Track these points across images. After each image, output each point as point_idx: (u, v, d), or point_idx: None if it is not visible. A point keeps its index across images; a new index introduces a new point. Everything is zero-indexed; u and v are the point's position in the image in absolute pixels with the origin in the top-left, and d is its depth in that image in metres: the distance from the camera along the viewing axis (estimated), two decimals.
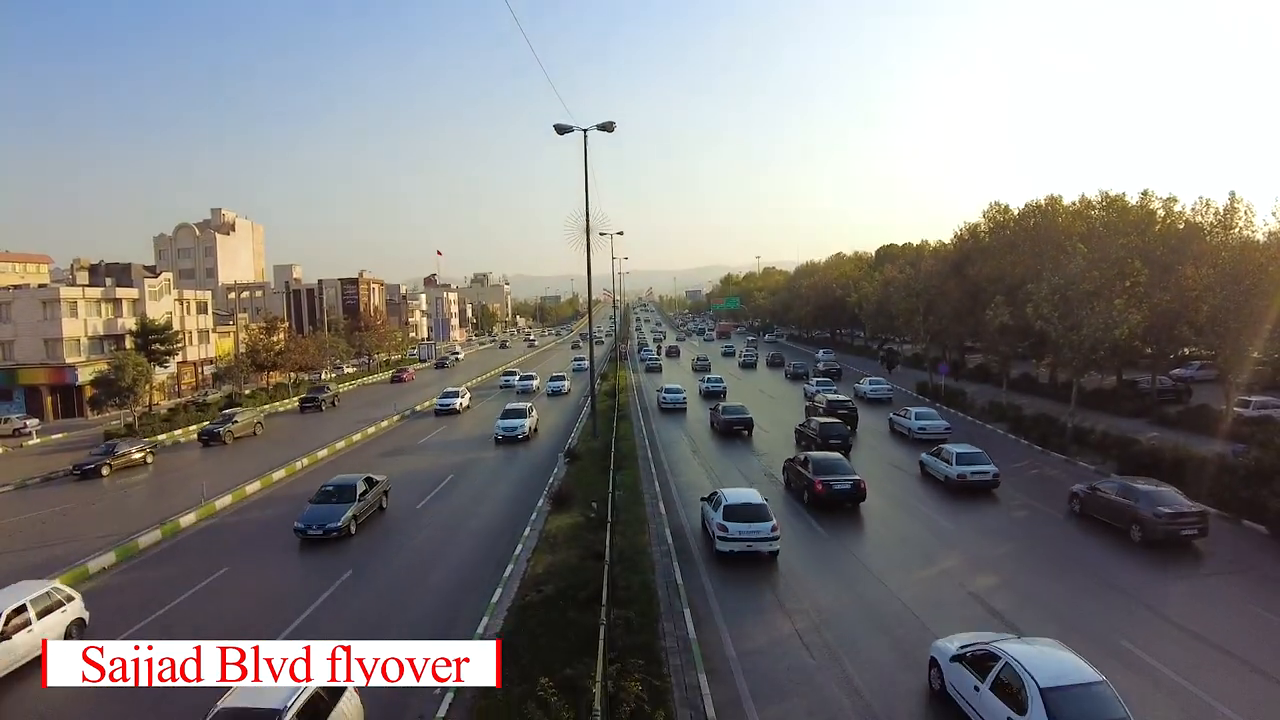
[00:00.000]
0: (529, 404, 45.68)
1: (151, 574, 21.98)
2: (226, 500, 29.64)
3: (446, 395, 54.04)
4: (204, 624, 17.90)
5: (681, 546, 21.69)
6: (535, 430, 42.12)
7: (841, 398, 42.55)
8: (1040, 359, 42.36)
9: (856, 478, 25.25)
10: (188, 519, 26.95)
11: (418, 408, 55.22)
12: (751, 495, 21.80)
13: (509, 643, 15.69)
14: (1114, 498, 22.29)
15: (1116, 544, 21.09)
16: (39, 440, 46.75)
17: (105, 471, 36.09)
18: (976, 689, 11.87)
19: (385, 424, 48.60)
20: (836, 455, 27.69)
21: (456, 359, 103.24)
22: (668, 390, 51.46)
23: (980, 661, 12.12)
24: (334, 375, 79.69)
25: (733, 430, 38.92)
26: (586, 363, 66.96)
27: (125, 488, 33.87)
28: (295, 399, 61.33)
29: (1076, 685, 10.90)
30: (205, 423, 46.96)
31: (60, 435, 48.58)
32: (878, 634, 16.00)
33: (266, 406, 56.99)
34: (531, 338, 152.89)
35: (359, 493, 25.22)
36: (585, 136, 34.69)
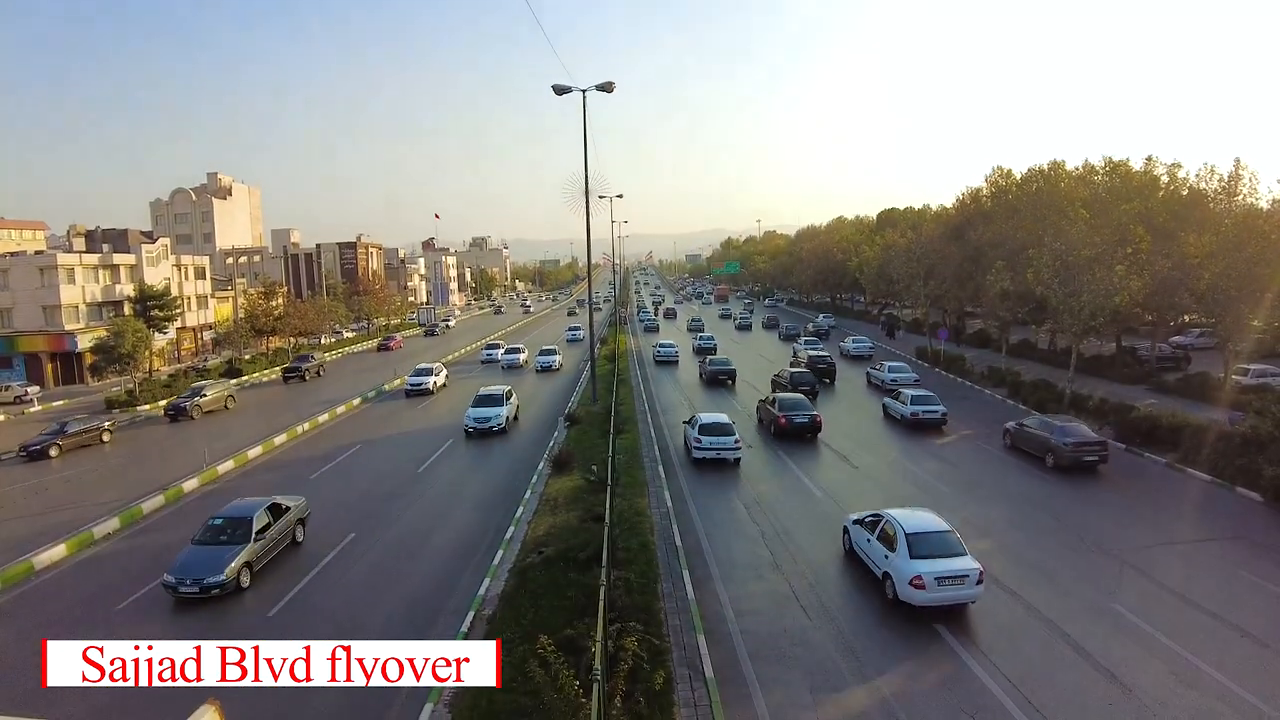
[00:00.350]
0: (507, 387, 37.15)
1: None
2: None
3: (418, 373, 46.76)
4: None
5: (666, 459, 27.36)
6: (515, 419, 35.88)
7: (822, 353, 47.17)
8: (1040, 325, 42.39)
9: (814, 413, 30.32)
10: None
11: (387, 387, 48.49)
12: (721, 417, 28.53)
13: (511, 603, 16.00)
14: (1035, 431, 26.36)
15: (1034, 469, 25.51)
16: (40, 407, 46.92)
17: (54, 453, 33.14)
18: (868, 540, 17.05)
19: (343, 409, 41.68)
20: (799, 396, 32.70)
21: (447, 326, 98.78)
22: (661, 345, 58.66)
23: (871, 523, 17.33)
24: (334, 340, 79.66)
25: (717, 380, 44.01)
26: (582, 332, 66.10)
27: (70, 476, 30.14)
28: (278, 369, 57.76)
29: (931, 532, 15.95)
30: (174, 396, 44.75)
31: (61, 402, 48.74)
32: (810, 519, 21.52)
33: (245, 377, 55.00)
34: (528, 303, 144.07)
35: (255, 530, 18.75)
36: (584, 97, 34.28)
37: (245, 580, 17.83)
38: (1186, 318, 48.33)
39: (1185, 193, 41.55)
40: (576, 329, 73.19)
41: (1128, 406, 29.52)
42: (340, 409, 41.55)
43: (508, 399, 35.28)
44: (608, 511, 17.28)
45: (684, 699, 12.49)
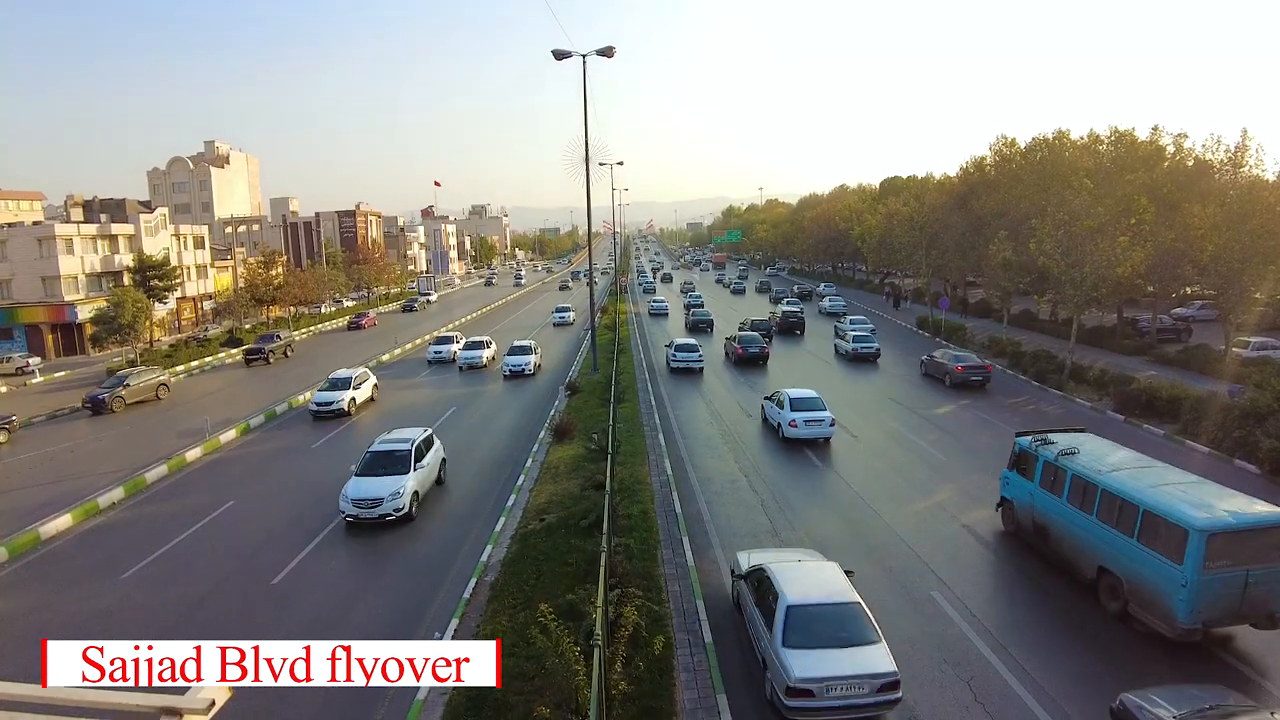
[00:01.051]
0: (424, 433, 22.71)
1: None
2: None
3: (331, 385, 32.92)
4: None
5: (667, 428, 26.55)
6: (439, 481, 22.74)
7: (794, 309, 55.81)
8: (1041, 295, 42.28)
9: (764, 345, 41.04)
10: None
11: (294, 403, 35.39)
12: (690, 340, 41.66)
13: (513, 569, 16.20)
14: (937, 359, 34.95)
15: (936, 387, 33.98)
16: (42, 379, 47.01)
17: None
18: (771, 406, 26.78)
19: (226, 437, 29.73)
20: (754, 334, 42.58)
21: (428, 301, 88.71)
22: (655, 301, 73.97)
23: (773, 396, 27.19)
24: (334, 309, 79.47)
25: (698, 327, 55.18)
26: (572, 314, 62.27)
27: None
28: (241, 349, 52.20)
29: (805, 397, 26.02)
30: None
31: (63, 373, 48.83)
32: (748, 410, 30.48)
33: (209, 358, 50.38)
34: (521, 276, 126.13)
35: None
36: (584, 62, 33.89)
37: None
38: (1189, 290, 48.19)
39: (1191, 163, 41.12)
40: (565, 310, 63.59)
41: (1127, 378, 29.55)
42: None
43: (418, 460, 21.01)
44: (608, 479, 17.43)
45: (684, 664, 12.70)
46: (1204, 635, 12.30)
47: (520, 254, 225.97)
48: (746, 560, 14.05)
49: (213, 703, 3.60)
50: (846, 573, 12.67)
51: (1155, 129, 43.78)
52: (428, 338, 54.56)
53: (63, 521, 20.90)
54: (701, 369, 38.73)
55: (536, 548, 17.09)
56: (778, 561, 13.18)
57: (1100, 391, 30.37)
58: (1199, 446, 23.69)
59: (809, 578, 12.33)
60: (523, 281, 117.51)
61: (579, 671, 10.17)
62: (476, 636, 13.73)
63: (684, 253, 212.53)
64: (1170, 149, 42.72)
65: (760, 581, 12.67)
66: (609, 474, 17.75)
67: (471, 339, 45.87)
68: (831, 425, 25.13)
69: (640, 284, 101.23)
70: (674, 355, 39.32)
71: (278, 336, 52.62)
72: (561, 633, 10.59)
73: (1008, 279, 42.79)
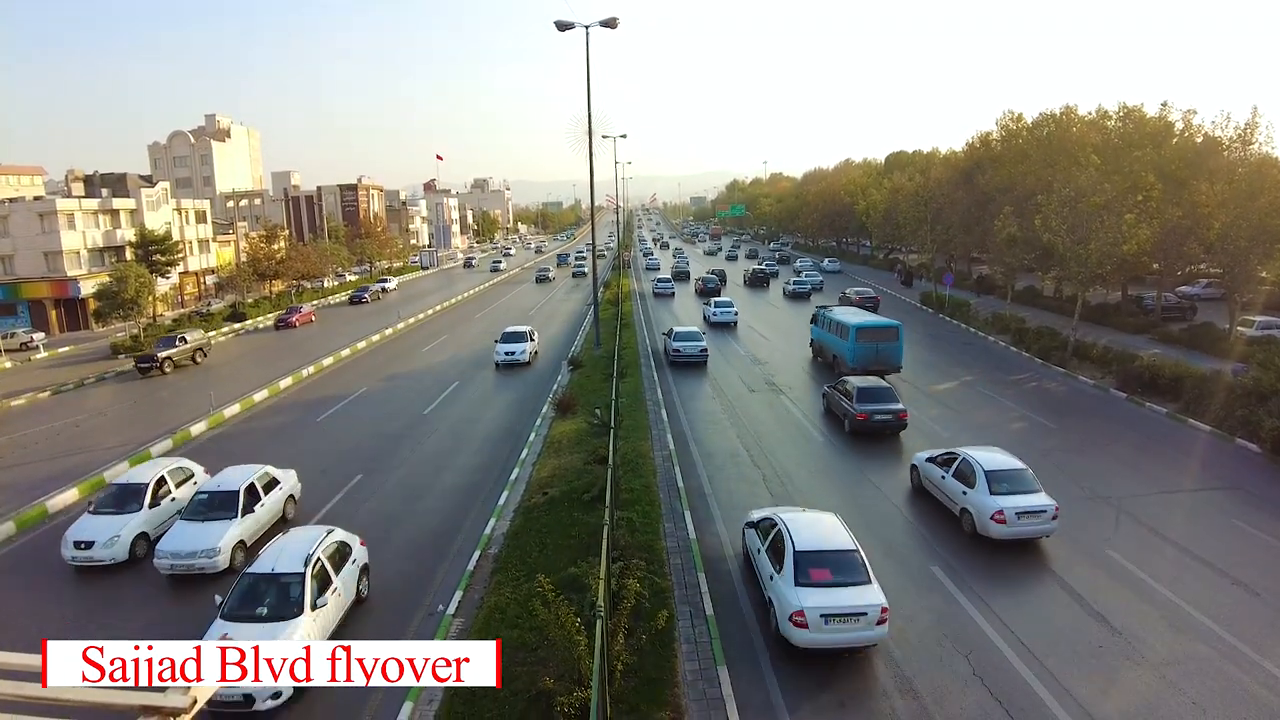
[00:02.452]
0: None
1: None
2: None
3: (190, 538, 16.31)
4: None
5: (669, 403, 24.73)
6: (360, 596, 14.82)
7: (762, 268, 69.76)
8: (1046, 272, 42.09)
9: (719, 284, 59.80)
10: None
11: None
12: (666, 275, 67.98)
13: (517, 542, 16.36)
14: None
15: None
16: (46, 354, 47.12)
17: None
18: (708, 307, 46.96)
19: None
20: (714, 276, 62.28)
21: (384, 291, 72.33)
22: (649, 258, 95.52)
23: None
24: (337, 283, 79.25)
25: (679, 276, 72.73)
26: (525, 351, 36.95)
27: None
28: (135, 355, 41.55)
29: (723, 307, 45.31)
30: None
31: (67, 348, 48.93)
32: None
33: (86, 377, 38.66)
34: (499, 260, 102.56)
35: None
36: (587, 33, 33.54)
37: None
38: (1194, 268, 47.91)
39: (1199, 140, 40.69)
40: (519, 341, 37.53)
41: (1131, 355, 29.50)
42: None
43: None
44: (611, 453, 17.52)
45: (685, 635, 12.86)
46: (865, 373, 27.45)
47: (523, 228, 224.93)
48: (759, 514, 15.36)
49: (195, 700, 3.61)
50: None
51: (1164, 105, 43.25)
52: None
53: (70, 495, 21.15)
54: (673, 293, 61.36)
55: (540, 521, 17.24)
56: (788, 512, 14.61)
57: (1103, 369, 30.35)
58: (1201, 425, 23.70)
59: (814, 528, 13.57)
60: (501, 266, 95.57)
61: (581, 643, 10.32)
62: (480, 608, 13.91)
63: (685, 227, 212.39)
64: (1179, 126, 42.22)
65: (769, 530, 14.00)
66: (611, 448, 17.84)
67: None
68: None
69: (642, 251, 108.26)
70: (659, 279, 64.34)
71: (183, 339, 41.57)
72: (563, 605, 10.72)
73: (1012, 255, 42.60)
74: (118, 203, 61.76)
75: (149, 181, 69.43)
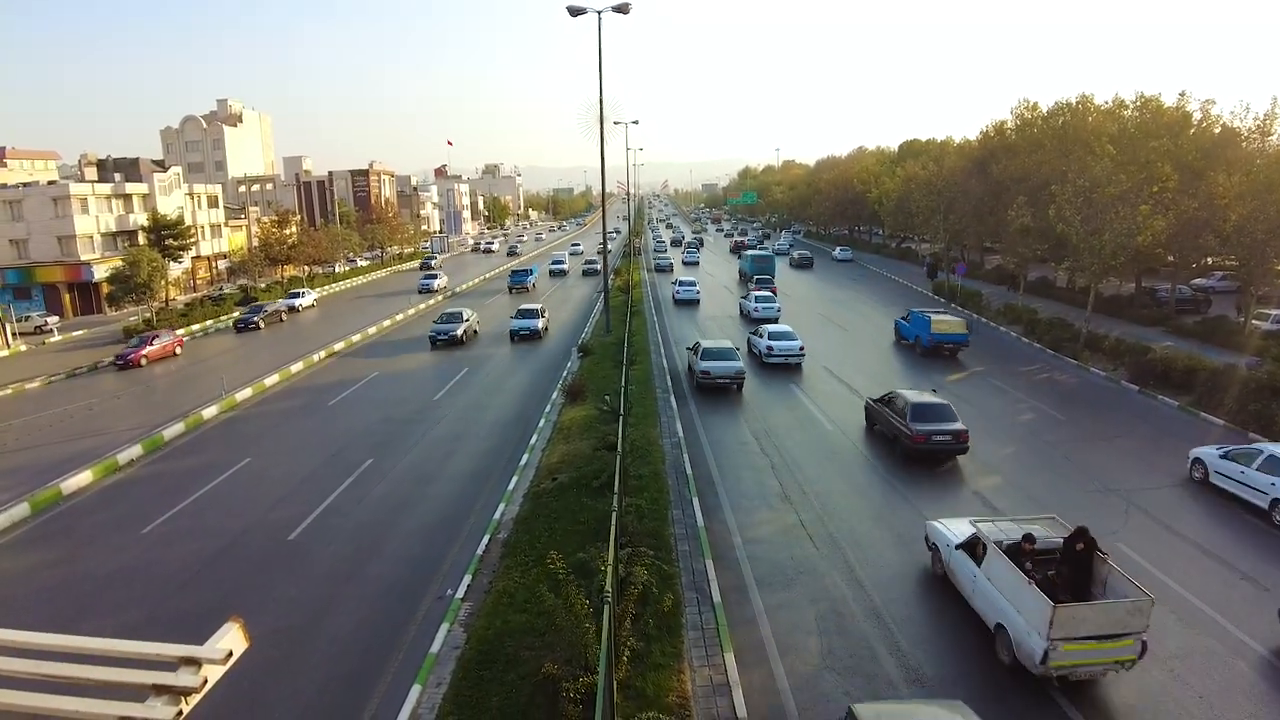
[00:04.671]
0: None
1: None
2: None
3: None
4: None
5: (679, 391, 24.48)
6: None
7: (741, 239, 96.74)
8: (1059, 263, 41.75)
9: (698, 251, 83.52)
10: None
11: None
12: (667, 256, 77.76)
13: (526, 527, 16.45)
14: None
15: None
16: (60, 337, 47.51)
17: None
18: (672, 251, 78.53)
19: None
20: (694, 241, 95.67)
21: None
22: (657, 238, 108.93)
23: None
24: (348, 269, 79.36)
25: (675, 244, 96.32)
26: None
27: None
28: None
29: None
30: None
31: (80, 332, 49.32)
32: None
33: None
34: (482, 246, 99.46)
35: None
36: (599, 18, 33.37)
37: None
38: (1209, 260, 47.39)
39: (1217, 131, 40.14)
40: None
41: (1143, 348, 29.29)
42: None
43: None
44: (620, 440, 17.57)
45: (691, 622, 12.93)
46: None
47: (534, 214, 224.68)
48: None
49: (230, 653, 3.71)
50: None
51: (1182, 95, 42.64)
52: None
53: (84, 477, 21.38)
54: (670, 265, 71.32)
55: (549, 506, 17.33)
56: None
57: (1115, 361, 30.14)
58: (1214, 419, 23.54)
59: None
60: (437, 284, 61.64)
61: (589, 629, 10.39)
62: (489, 593, 14.02)
63: (696, 214, 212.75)
64: (1197, 116, 41.65)
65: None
66: (620, 435, 17.89)
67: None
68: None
69: (653, 234, 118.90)
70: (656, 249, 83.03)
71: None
72: (571, 591, 10.79)
73: (1025, 246, 42.27)
74: (130, 187, 62.05)
75: (161, 166, 69.74)
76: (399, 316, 49.31)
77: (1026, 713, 10.73)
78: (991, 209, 47.71)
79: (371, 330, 44.49)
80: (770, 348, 31.37)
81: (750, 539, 16.12)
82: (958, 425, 20.06)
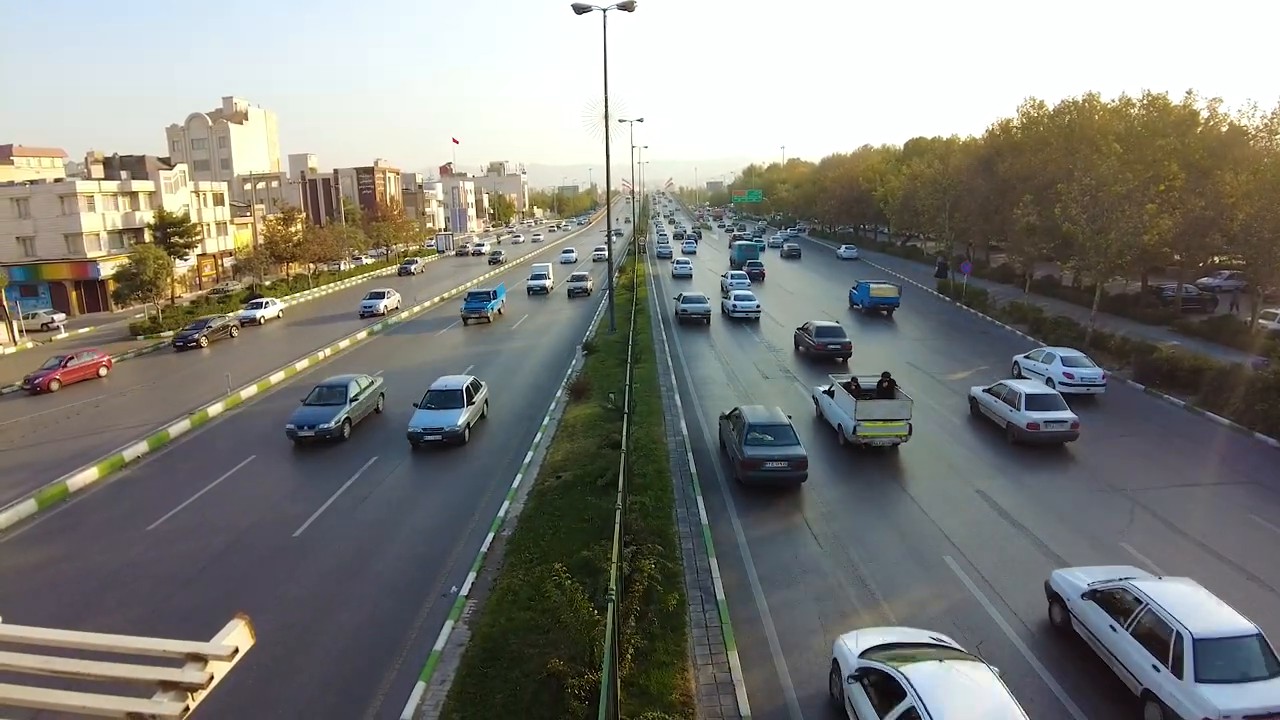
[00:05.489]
0: None
1: None
2: None
3: None
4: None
5: (683, 390, 24.66)
6: None
7: (737, 232, 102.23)
8: (1065, 261, 41.66)
9: (695, 243, 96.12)
10: None
11: None
12: (669, 244, 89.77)
13: (530, 524, 16.47)
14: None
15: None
16: (67, 334, 47.72)
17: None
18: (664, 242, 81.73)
19: None
20: (693, 237, 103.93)
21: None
22: (659, 234, 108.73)
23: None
24: (354, 266, 79.48)
25: (677, 237, 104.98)
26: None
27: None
28: None
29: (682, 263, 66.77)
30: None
31: (87, 329, 49.52)
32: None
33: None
34: (455, 248, 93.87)
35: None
36: (604, 16, 33.37)
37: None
38: (1216, 259, 47.19)
39: (1225, 129, 39.98)
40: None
41: (1149, 347, 29.18)
42: None
43: None
44: (624, 438, 17.58)
45: (695, 620, 12.94)
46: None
47: (539, 212, 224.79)
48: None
49: (236, 649, 3.74)
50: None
51: (1189, 93, 42.50)
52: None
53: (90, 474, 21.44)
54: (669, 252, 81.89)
55: (553, 504, 17.36)
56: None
57: (1121, 360, 30.05)
58: (1220, 418, 23.45)
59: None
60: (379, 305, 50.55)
61: (594, 626, 10.40)
62: (493, 590, 14.05)
63: (700, 212, 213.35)
64: (1204, 114, 41.49)
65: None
66: (625, 433, 17.90)
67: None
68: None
69: (656, 229, 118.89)
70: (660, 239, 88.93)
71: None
72: (576, 589, 10.81)
73: (1031, 244, 42.16)
74: (137, 185, 62.26)
75: (167, 164, 69.91)
76: (343, 344, 39.70)
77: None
78: (997, 207, 47.64)
79: (325, 353, 37.36)
80: (738, 306, 42.80)
81: (754, 538, 16.11)
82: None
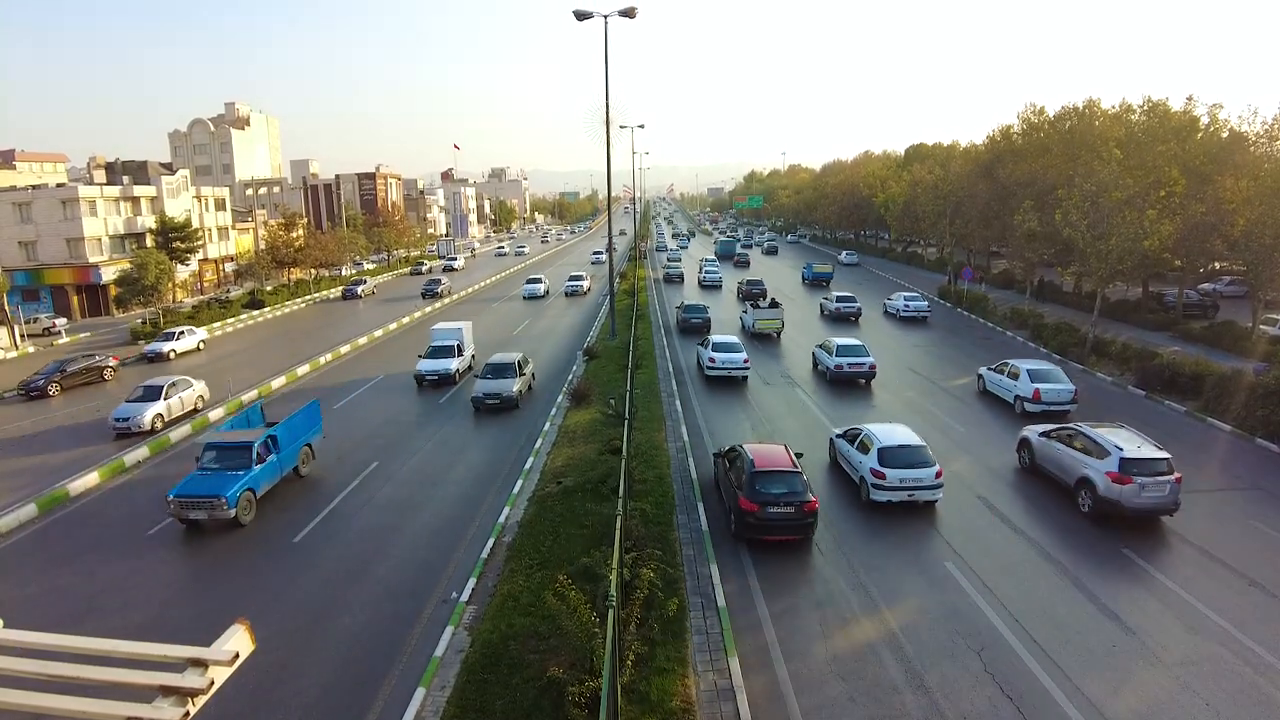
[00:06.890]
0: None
1: None
2: None
3: None
4: None
5: (684, 395, 24.18)
6: None
7: (730, 237, 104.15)
8: (1066, 267, 41.66)
9: (686, 242, 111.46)
10: None
11: None
12: (670, 241, 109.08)
13: (530, 530, 16.44)
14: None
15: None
16: (68, 339, 47.80)
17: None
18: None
19: None
20: (685, 238, 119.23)
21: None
22: (660, 238, 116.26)
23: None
24: (354, 271, 79.61)
25: (675, 236, 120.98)
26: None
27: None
28: None
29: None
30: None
31: (88, 334, 49.59)
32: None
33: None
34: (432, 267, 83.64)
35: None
36: (606, 22, 33.46)
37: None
38: (1217, 265, 47.18)
39: (1225, 135, 40.00)
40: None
41: (1150, 352, 29.17)
42: None
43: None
44: (625, 444, 17.56)
45: (696, 626, 12.91)
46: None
47: (540, 217, 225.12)
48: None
49: (236, 655, 3.74)
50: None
51: (1189, 99, 42.52)
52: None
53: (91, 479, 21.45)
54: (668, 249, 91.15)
55: (553, 510, 17.33)
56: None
57: (1122, 366, 30.03)
58: (1221, 424, 23.43)
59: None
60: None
61: (597, 634, 10.37)
62: (494, 596, 14.03)
63: (702, 218, 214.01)
64: (1204, 120, 41.51)
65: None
66: (625, 439, 17.88)
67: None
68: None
69: (657, 235, 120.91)
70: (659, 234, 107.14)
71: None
72: (576, 597, 10.79)
73: (1032, 250, 42.17)
74: (139, 190, 62.43)
75: (169, 169, 70.12)
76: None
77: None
78: (998, 213, 47.63)
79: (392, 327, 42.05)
80: (706, 277, 59.82)
81: (754, 544, 16.08)
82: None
